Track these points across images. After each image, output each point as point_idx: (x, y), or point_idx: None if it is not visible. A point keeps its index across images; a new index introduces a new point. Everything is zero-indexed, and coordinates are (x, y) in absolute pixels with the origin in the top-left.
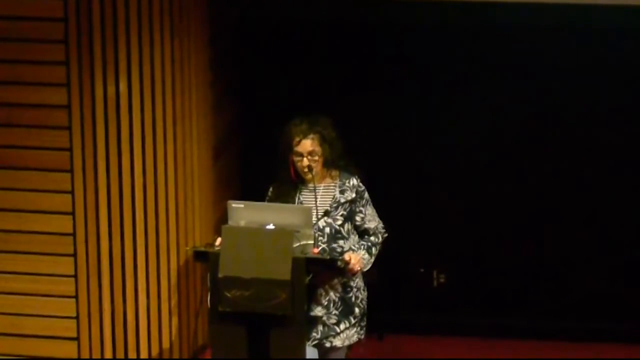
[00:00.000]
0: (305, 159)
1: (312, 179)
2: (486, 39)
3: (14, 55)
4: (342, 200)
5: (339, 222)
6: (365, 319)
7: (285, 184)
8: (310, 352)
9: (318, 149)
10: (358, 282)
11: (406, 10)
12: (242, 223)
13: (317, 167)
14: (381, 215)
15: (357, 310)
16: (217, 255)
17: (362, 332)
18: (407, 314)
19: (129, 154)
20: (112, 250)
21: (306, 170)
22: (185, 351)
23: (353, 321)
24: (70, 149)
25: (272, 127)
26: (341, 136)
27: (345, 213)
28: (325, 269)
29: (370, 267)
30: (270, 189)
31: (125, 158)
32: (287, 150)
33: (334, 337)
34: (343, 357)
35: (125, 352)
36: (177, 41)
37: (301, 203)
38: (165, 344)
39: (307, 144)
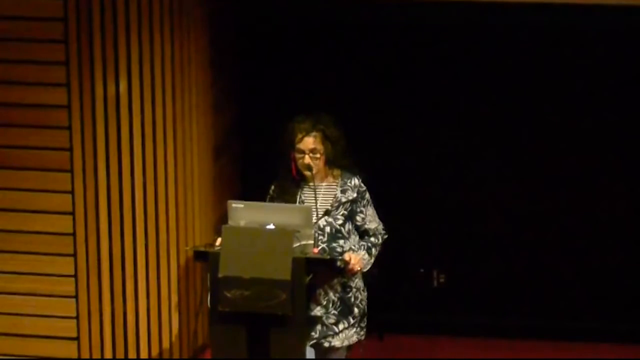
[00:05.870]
0: (306, 156)
1: (312, 178)
2: (486, 39)
3: (14, 55)
4: (343, 200)
5: (340, 222)
6: (365, 319)
7: (287, 181)
8: (308, 351)
9: (320, 147)
10: (358, 282)
11: (406, 11)
12: (242, 223)
13: (319, 165)
14: (381, 215)
15: (356, 310)
16: (217, 255)
17: (362, 332)
18: (407, 314)
19: (129, 154)
20: (112, 250)
21: (307, 168)
22: (185, 351)
23: (352, 321)
24: (70, 149)
25: (272, 127)
26: (345, 136)
27: (346, 213)
28: (325, 269)
29: (371, 267)
30: (272, 187)
31: (125, 158)
32: (289, 147)
33: (333, 337)
34: (343, 357)
35: (125, 352)
36: (177, 41)
37: (302, 201)
38: (165, 344)
39: (309, 142)
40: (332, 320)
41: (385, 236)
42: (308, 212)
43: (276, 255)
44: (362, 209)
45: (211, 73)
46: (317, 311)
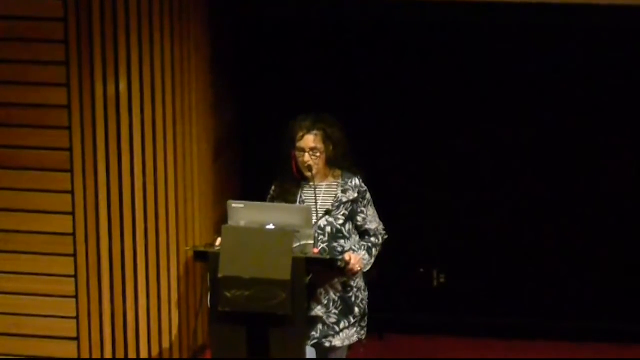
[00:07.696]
0: (307, 154)
1: (312, 177)
2: (487, 38)
3: (14, 55)
4: (344, 200)
5: (340, 222)
6: (365, 319)
7: (288, 180)
8: (308, 351)
9: (320, 145)
10: (358, 282)
11: (405, 10)
12: (242, 223)
13: (319, 165)
14: (382, 215)
15: (357, 310)
16: (217, 255)
17: (362, 332)
18: (407, 314)
19: (129, 154)
20: (112, 250)
21: (307, 166)
22: (185, 351)
23: (353, 321)
24: (70, 149)
25: (272, 127)
26: (347, 136)
27: (346, 213)
28: (325, 269)
29: (371, 267)
30: (273, 187)
31: (125, 158)
32: (290, 146)
33: (333, 336)
34: (344, 357)
35: (125, 352)
36: (177, 41)
37: (303, 201)
38: (165, 344)
39: (310, 140)
40: (333, 320)
41: (386, 236)
42: (308, 212)
43: (276, 255)
44: (363, 209)
45: (211, 73)
46: (318, 310)
